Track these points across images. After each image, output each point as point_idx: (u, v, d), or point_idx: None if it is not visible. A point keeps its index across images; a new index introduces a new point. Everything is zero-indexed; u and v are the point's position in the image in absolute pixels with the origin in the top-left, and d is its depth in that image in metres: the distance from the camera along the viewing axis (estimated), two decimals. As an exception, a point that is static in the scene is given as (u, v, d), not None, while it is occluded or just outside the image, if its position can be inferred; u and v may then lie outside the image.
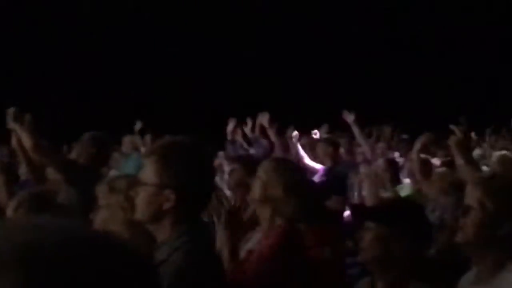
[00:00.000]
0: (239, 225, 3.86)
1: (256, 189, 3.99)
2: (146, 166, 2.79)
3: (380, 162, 7.78)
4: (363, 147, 8.70)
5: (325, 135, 9.76)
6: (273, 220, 3.87)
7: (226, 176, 7.68)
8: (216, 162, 8.75)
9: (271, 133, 9.41)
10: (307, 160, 8.67)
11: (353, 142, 9.39)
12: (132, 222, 2.93)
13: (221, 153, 9.20)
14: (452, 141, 4.79)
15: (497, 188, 2.89)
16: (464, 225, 2.89)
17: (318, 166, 8.52)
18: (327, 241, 3.94)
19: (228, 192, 6.80)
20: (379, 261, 3.16)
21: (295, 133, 8.92)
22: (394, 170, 7.48)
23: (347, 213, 6.34)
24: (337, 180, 7.91)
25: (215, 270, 2.80)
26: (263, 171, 4.01)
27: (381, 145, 9.49)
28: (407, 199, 5.59)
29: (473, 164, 4.63)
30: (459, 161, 4.66)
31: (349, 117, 8.64)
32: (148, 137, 10.09)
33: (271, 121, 9.46)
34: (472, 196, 2.89)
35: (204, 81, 19.61)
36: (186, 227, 2.73)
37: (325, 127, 11.30)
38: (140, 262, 1.02)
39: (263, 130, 9.62)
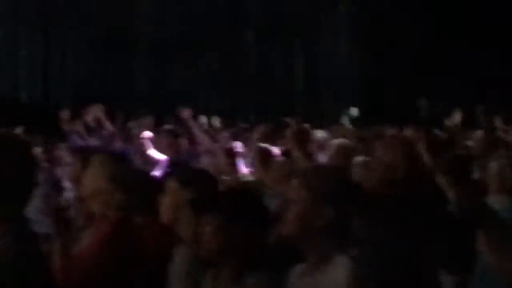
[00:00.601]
0: (70, 221, 3.80)
1: (85, 183, 3.94)
2: None
3: (221, 151, 7.83)
4: (203, 139, 8.75)
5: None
6: (104, 214, 3.83)
7: (66, 168, 7.55)
8: (57, 153, 8.60)
9: (107, 124, 9.33)
10: (151, 151, 8.65)
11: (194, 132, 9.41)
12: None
13: (62, 145, 9.00)
14: (288, 133, 4.86)
15: (313, 180, 2.91)
16: (287, 219, 2.91)
17: (162, 157, 8.51)
18: (165, 234, 3.91)
19: (68, 184, 6.71)
20: (219, 252, 3.16)
21: (149, 133, 8.89)
22: (234, 159, 7.55)
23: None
24: (179, 170, 7.93)
25: (41, 269, 2.71)
26: (91, 164, 3.97)
27: (222, 135, 9.56)
28: (244, 187, 5.63)
29: (307, 156, 4.73)
30: (295, 153, 4.75)
31: (185, 113, 8.69)
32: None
33: (109, 112, 9.41)
34: (292, 189, 2.93)
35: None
36: (8, 226, 2.61)
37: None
38: None
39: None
